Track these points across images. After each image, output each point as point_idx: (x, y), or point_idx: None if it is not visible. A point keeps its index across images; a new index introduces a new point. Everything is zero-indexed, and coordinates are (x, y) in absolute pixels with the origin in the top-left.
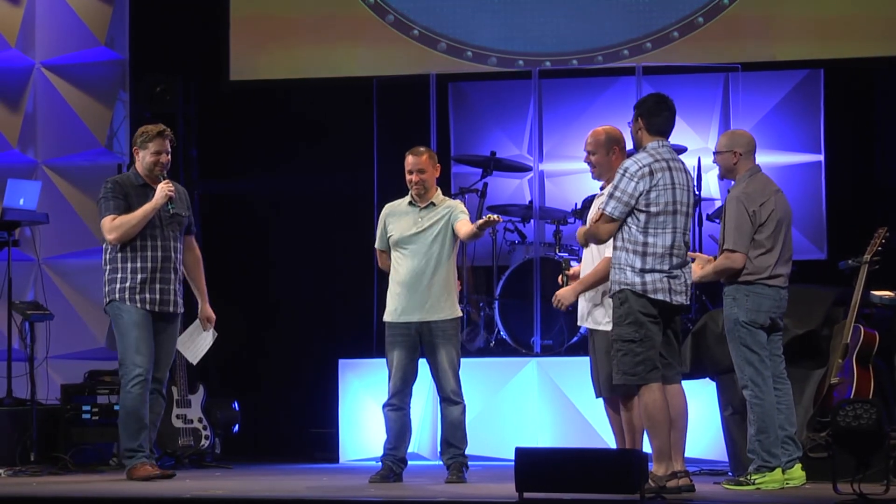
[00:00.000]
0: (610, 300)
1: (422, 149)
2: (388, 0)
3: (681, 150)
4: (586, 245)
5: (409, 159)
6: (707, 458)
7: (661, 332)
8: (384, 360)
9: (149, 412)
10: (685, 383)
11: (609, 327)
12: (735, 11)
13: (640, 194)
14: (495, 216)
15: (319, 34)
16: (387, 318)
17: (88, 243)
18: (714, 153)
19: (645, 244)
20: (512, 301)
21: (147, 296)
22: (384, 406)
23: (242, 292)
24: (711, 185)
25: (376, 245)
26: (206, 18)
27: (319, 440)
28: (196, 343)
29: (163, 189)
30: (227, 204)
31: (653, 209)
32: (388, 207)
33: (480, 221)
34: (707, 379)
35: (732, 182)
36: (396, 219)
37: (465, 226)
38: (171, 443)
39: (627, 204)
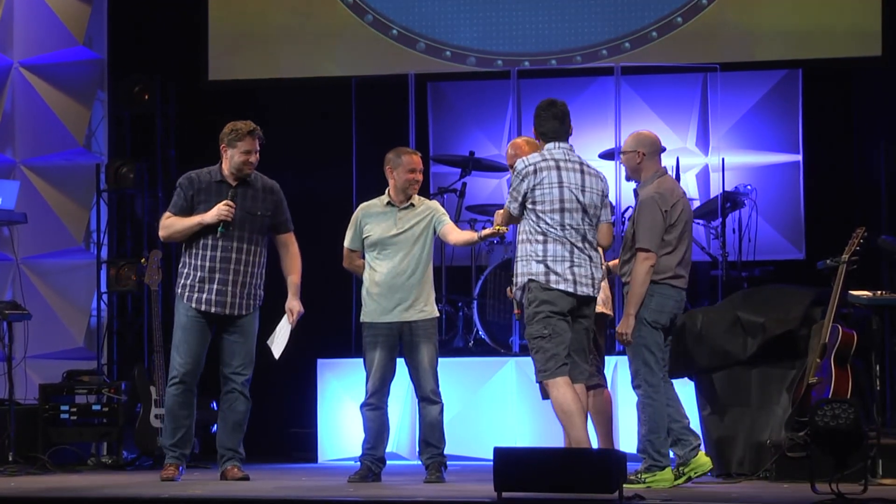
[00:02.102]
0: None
1: (412, 149)
2: (366, 0)
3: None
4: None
5: (413, 159)
6: None
7: (571, 329)
8: (362, 359)
9: (230, 412)
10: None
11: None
12: (713, 12)
13: (527, 191)
14: (504, 227)
15: (298, 34)
16: (365, 318)
17: (67, 243)
18: (619, 153)
19: (544, 234)
20: (490, 301)
21: (204, 296)
22: (362, 406)
23: None
24: (690, 185)
25: (347, 244)
26: (185, 18)
27: (298, 440)
28: (278, 337)
29: (219, 209)
30: None
31: (538, 207)
32: (363, 207)
33: (486, 232)
34: (685, 379)
35: (637, 182)
36: (373, 219)
37: (455, 232)
38: (150, 442)
39: (517, 200)
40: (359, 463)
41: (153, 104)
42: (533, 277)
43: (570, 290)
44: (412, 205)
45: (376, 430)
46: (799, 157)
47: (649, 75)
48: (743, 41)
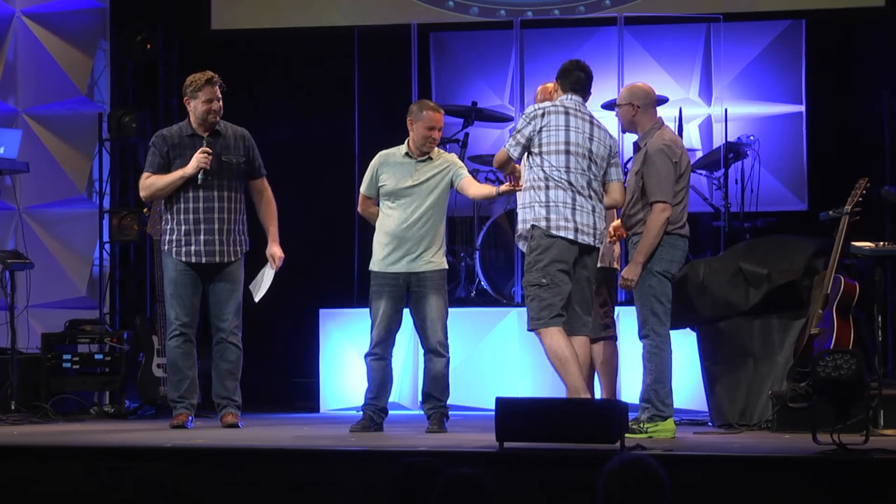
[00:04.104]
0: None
1: (435, 104)
2: None
3: (662, 100)
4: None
5: (434, 116)
6: (687, 407)
7: (571, 281)
8: (365, 310)
9: (222, 362)
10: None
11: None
12: None
13: (533, 134)
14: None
15: None
16: (374, 267)
17: (69, 192)
18: (615, 106)
19: (547, 179)
20: (493, 251)
21: (192, 248)
22: (367, 355)
23: None
24: (692, 136)
25: (362, 190)
26: None
27: (300, 390)
28: (259, 282)
29: (197, 158)
30: None
31: (544, 148)
32: (382, 156)
33: (504, 188)
34: (688, 329)
35: (637, 135)
36: (391, 169)
37: (475, 186)
38: (152, 392)
39: (520, 144)
40: (361, 412)
41: (155, 53)
42: (535, 223)
43: (572, 237)
44: (430, 157)
45: (380, 380)
46: (802, 108)
47: (652, 25)
48: None
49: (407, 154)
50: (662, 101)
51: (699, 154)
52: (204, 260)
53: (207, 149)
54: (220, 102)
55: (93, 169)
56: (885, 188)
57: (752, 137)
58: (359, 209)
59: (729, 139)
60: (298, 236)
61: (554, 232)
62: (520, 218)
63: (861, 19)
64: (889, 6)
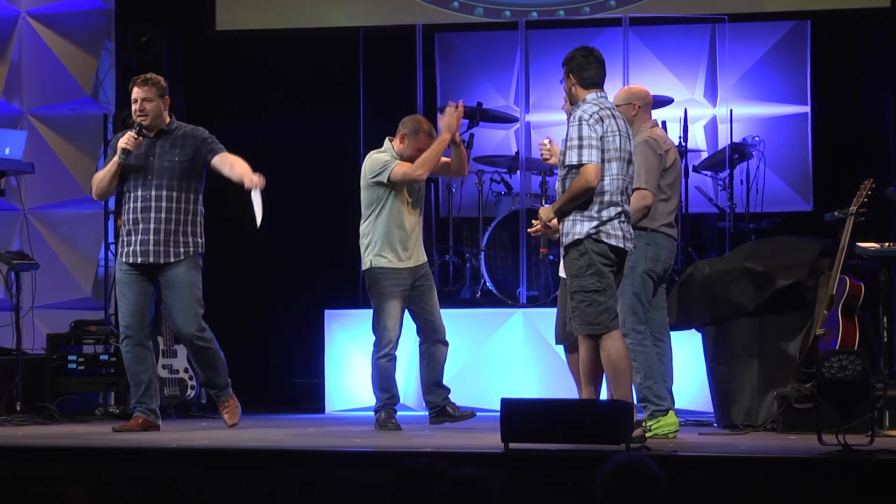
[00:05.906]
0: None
1: (431, 128)
2: None
3: (667, 101)
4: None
5: (429, 142)
6: (692, 408)
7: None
8: (370, 310)
9: (196, 361)
10: (673, 334)
11: None
12: None
13: (602, 137)
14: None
15: None
16: (391, 264)
17: (74, 193)
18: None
19: (601, 192)
20: (498, 252)
21: (130, 248)
22: (381, 357)
23: (228, 242)
24: (698, 137)
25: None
26: None
27: (305, 391)
28: (255, 207)
29: (120, 141)
30: None
31: (604, 156)
32: (391, 157)
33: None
34: (693, 330)
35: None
36: None
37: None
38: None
39: (598, 148)
40: (381, 412)
41: (160, 54)
42: (585, 229)
43: (620, 245)
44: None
45: (390, 377)
46: (807, 109)
47: (657, 26)
48: None
49: (398, 157)
50: (667, 101)
51: (704, 155)
52: (139, 260)
53: (132, 132)
54: (151, 103)
55: (97, 170)
56: (891, 189)
57: (757, 138)
58: (410, 170)
59: (734, 140)
60: (303, 237)
61: (604, 239)
62: (565, 229)
63: (866, 20)
64: (894, 7)
